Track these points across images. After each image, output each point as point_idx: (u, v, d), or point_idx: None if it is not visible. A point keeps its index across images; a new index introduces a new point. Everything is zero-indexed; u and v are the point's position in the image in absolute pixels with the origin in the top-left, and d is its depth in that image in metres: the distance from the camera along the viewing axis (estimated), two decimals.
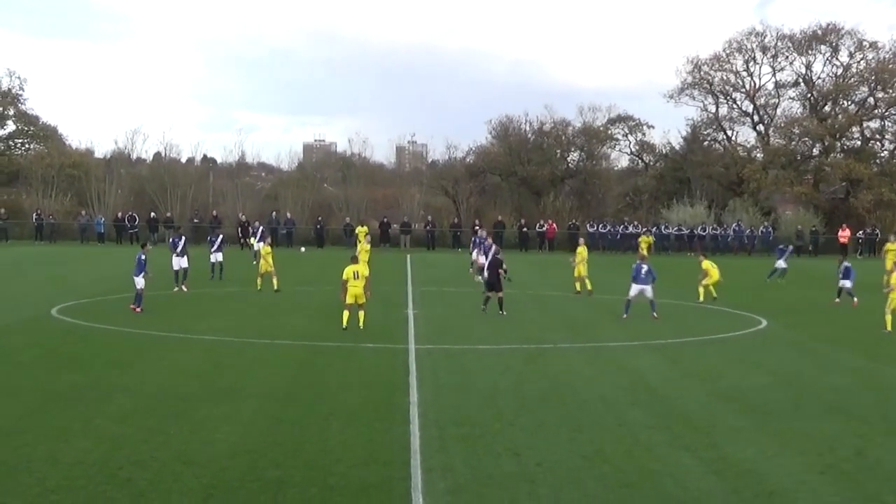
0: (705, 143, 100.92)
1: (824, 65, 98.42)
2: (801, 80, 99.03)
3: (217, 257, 49.85)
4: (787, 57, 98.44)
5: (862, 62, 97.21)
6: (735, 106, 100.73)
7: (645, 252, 58.35)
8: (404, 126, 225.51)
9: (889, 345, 31.33)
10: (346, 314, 32.02)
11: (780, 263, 53.87)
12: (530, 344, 29.94)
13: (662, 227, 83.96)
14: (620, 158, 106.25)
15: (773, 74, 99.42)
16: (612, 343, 30.69)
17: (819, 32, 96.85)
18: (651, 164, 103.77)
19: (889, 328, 33.57)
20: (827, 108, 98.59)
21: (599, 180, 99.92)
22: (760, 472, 16.42)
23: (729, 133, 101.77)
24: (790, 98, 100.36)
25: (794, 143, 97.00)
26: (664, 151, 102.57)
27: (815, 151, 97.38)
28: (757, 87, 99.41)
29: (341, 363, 26.21)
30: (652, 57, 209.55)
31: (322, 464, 16.36)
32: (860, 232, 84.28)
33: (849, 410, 21.30)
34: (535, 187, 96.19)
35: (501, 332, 32.19)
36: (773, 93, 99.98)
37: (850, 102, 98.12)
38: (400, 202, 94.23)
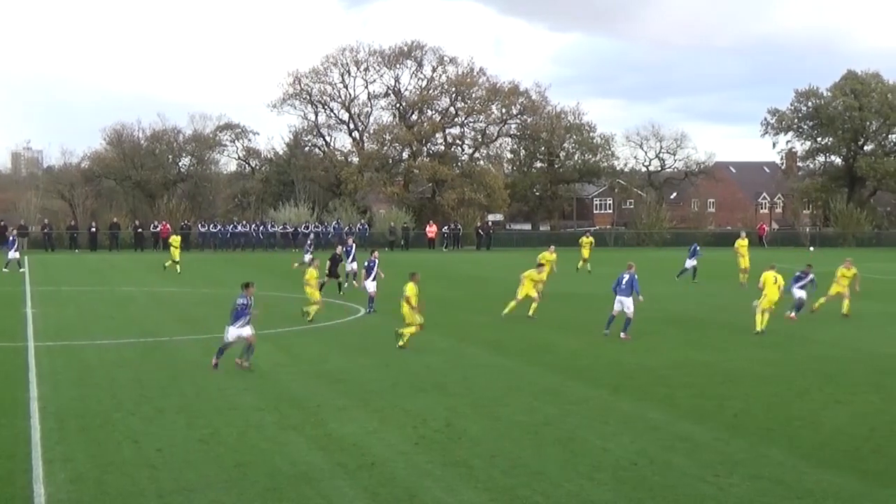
0: (307, 148, 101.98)
1: (411, 78, 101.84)
2: (390, 91, 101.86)
3: None
4: (378, 70, 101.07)
5: (443, 76, 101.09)
6: (332, 114, 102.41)
7: (587, 253, 55.62)
8: (20, 132, 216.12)
9: (473, 328, 32.53)
10: None
11: (691, 262, 50.40)
12: (148, 338, 29.26)
13: (269, 226, 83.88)
14: (229, 163, 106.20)
15: (366, 86, 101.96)
16: None
17: (405, 49, 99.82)
18: (257, 168, 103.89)
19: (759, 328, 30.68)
20: (414, 117, 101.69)
21: (210, 183, 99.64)
22: (362, 445, 16.75)
23: (328, 139, 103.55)
24: (381, 108, 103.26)
25: (385, 148, 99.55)
26: (269, 156, 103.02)
27: (405, 155, 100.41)
28: (352, 97, 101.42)
29: None
30: (257, 69, 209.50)
31: None
32: (445, 227, 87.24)
33: (439, 387, 22.05)
34: (148, 190, 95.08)
35: (120, 328, 31.32)
36: (366, 102, 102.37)
37: (434, 112, 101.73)
38: (17, 206, 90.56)
